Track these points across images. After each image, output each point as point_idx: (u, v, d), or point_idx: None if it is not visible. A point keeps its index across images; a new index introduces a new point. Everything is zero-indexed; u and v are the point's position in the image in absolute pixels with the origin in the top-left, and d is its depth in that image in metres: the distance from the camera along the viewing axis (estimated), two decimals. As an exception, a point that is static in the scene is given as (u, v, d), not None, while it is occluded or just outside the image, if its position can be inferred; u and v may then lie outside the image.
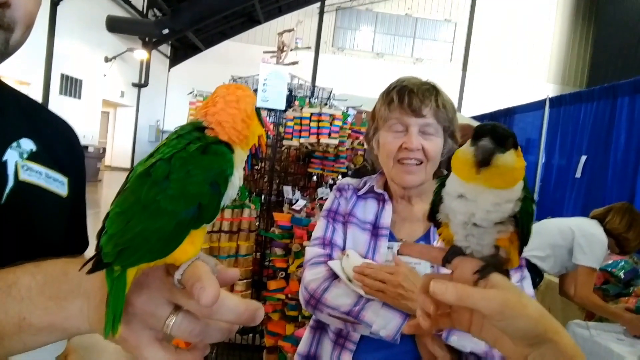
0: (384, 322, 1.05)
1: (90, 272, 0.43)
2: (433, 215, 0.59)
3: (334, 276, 1.16)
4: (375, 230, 1.21)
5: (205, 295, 0.40)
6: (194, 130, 0.47)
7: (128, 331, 0.44)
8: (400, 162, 1.16)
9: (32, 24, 0.66)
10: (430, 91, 1.17)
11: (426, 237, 1.19)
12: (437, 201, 0.57)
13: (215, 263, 0.48)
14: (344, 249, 1.22)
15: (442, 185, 0.56)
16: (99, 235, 0.44)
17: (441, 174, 1.26)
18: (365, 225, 1.22)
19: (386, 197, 1.25)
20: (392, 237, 1.20)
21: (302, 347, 1.26)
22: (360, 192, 1.27)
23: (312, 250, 1.24)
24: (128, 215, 0.42)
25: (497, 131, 0.50)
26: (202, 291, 0.40)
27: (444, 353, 0.99)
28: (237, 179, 0.47)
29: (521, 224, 0.53)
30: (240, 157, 0.48)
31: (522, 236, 0.54)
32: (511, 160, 0.50)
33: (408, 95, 1.15)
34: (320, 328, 1.24)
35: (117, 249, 0.42)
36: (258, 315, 0.45)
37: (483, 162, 0.49)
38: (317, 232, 1.27)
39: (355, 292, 1.10)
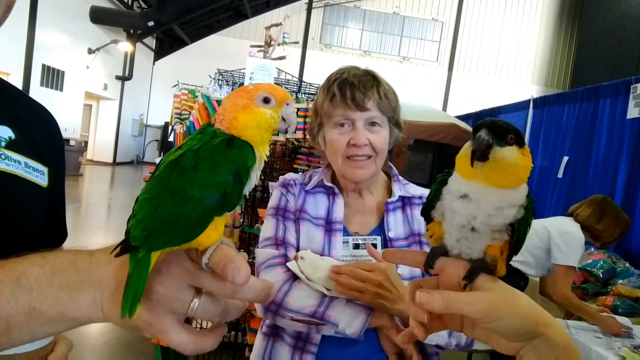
0: (350, 320, 1.03)
1: (119, 255, 0.45)
2: (427, 211, 0.57)
3: (293, 277, 1.10)
4: (328, 225, 1.17)
5: (241, 275, 0.43)
6: (209, 127, 0.52)
7: (152, 316, 0.46)
8: (349, 158, 1.14)
9: (14, 3, 0.64)
10: (372, 82, 1.14)
11: (379, 229, 1.17)
12: (434, 198, 0.56)
13: None
14: (297, 247, 1.15)
15: (443, 182, 0.55)
16: (128, 220, 0.46)
17: (387, 163, 1.24)
18: (318, 221, 1.17)
19: (336, 190, 1.21)
20: (345, 231, 1.17)
21: (254, 356, 1.19)
22: (308, 187, 1.22)
23: (265, 252, 1.15)
24: (157, 201, 0.45)
25: (496, 124, 0.49)
26: (236, 271, 0.43)
27: (410, 345, 1.01)
28: (254, 175, 0.50)
29: (517, 234, 0.52)
30: (259, 156, 0.51)
31: (515, 246, 0.53)
32: (511, 156, 0.49)
33: (350, 89, 1.12)
34: (274, 334, 1.18)
35: (145, 233, 0.44)
36: (272, 293, 0.50)
37: (478, 153, 0.48)
38: (267, 232, 1.18)
39: (317, 292, 1.06)
